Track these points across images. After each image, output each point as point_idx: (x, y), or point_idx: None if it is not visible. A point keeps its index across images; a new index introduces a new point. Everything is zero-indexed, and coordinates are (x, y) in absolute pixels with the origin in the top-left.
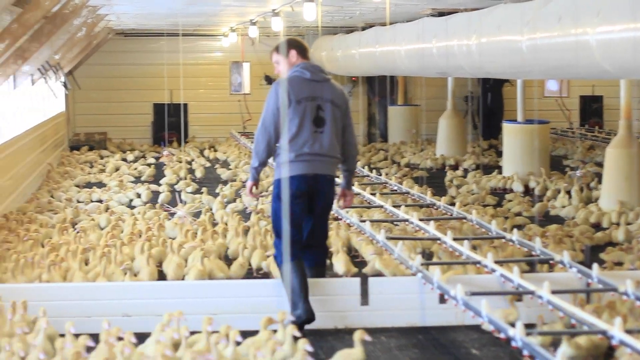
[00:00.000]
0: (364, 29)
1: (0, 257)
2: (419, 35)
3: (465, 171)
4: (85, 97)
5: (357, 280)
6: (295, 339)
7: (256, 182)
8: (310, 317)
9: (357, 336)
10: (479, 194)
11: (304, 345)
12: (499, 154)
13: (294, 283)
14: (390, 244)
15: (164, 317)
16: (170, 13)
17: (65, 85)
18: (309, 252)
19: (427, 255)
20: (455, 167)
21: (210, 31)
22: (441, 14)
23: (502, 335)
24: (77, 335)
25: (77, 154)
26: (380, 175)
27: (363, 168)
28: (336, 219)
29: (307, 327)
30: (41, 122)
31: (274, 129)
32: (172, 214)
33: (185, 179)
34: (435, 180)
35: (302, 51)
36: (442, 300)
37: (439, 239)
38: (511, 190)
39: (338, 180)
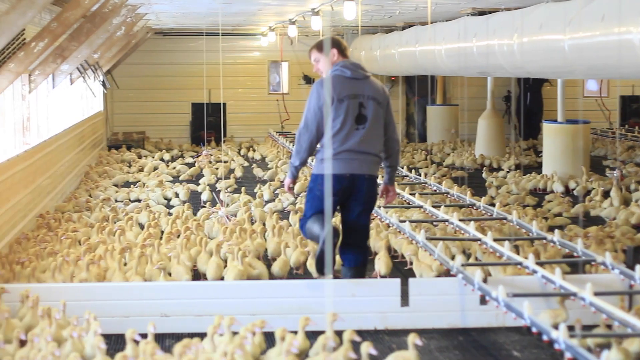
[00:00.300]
0: (403, 28)
1: (38, 256)
2: (460, 35)
3: (502, 170)
4: (124, 97)
5: (397, 281)
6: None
7: (294, 179)
8: (335, 229)
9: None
10: (519, 194)
11: (368, 349)
12: (538, 154)
13: (315, 226)
14: (430, 245)
15: (215, 319)
16: (209, 12)
17: (104, 85)
18: (348, 252)
19: (466, 256)
20: (494, 169)
21: (249, 30)
22: (481, 13)
23: (544, 338)
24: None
25: (115, 153)
26: (420, 175)
27: (402, 168)
28: (375, 219)
29: (349, 327)
30: (79, 121)
31: (316, 128)
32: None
33: (229, 178)
34: (474, 180)
35: (342, 50)
36: (483, 301)
37: (479, 239)
38: (551, 191)
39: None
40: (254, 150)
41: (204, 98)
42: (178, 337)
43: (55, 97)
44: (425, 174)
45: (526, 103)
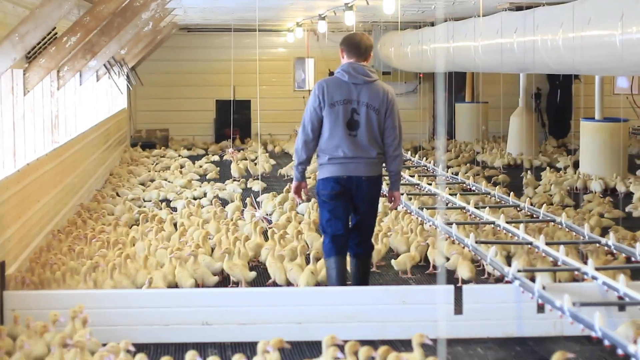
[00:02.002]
0: (433, 24)
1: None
2: (498, 30)
3: (534, 170)
4: (147, 94)
5: (451, 288)
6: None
7: (300, 182)
8: None
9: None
10: (559, 194)
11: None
12: (569, 152)
13: (332, 277)
14: (481, 249)
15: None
16: (238, 7)
17: (129, 81)
18: (353, 246)
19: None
20: (527, 168)
21: (275, 26)
22: (519, 8)
23: (619, 352)
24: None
25: (139, 150)
26: (457, 175)
27: (436, 167)
28: (422, 223)
29: (397, 336)
30: (105, 118)
31: (311, 129)
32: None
33: (258, 178)
34: (509, 178)
35: (350, 50)
36: (540, 309)
37: (530, 243)
38: (590, 191)
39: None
40: (281, 149)
41: (228, 95)
42: (220, 346)
43: (82, 94)
44: (457, 173)
45: (556, 100)
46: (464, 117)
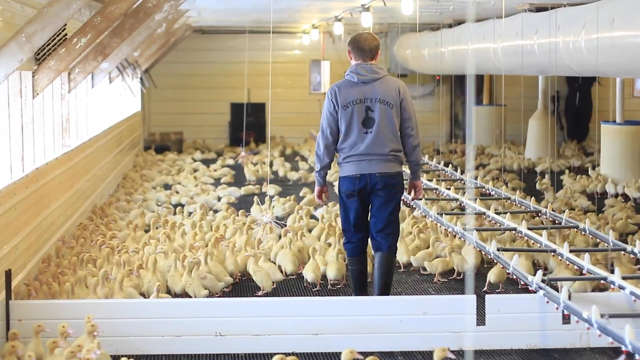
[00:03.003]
0: (450, 26)
1: (75, 268)
2: (518, 32)
3: (553, 174)
4: (161, 96)
5: (473, 297)
6: None
7: (322, 186)
8: None
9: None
10: (579, 198)
11: None
12: (588, 156)
13: (352, 276)
14: (504, 257)
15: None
16: (253, 9)
17: (142, 84)
18: (376, 240)
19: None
20: (542, 172)
21: (290, 28)
22: (539, 9)
23: None
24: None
25: (152, 154)
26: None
27: (454, 170)
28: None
29: (418, 348)
30: (118, 122)
31: (330, 132)
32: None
33: (265, 182)
34: (525, 182)
35: (357, 50)
36: (566, 320)
37: (554, 250)
38: (612, 195)
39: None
40: (296, 153)
41: (243, 98)
42: (234, 358)
43: (94, 96)
44: (476, 177)
45: (575, 103)
46: (482, 120)
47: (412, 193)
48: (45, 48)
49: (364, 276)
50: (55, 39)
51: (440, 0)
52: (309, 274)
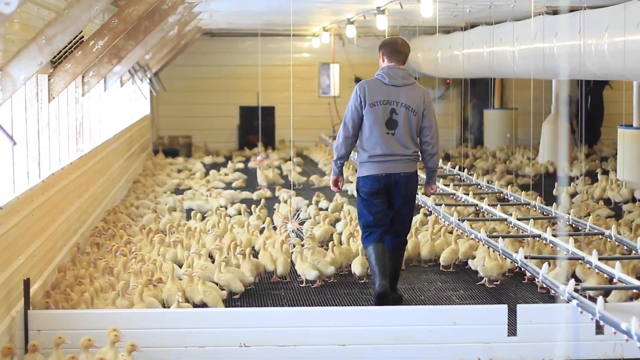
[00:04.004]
0: (464, 29)
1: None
2: (537, 35)
3: (571, 179)
4: (170, 99)
5: (504, 307)
6: None
7: (338, 175)
8: (384, 291)
9: None
10: (599, 206)
11: None
12: (602, 160)
13: (372, 263)
14: (532, 264)
15: None
16: (266, 11)
17: (152, 87)
18: (389, 239)
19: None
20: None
21: (300, 31)
22: (555, 12)
23: None
24: None
25: (162, 158)
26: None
27: (471, 175)
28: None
29: (447, 359)
30: (128, 125)
31: (352, 126)
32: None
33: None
34: (539, 188)
35: (390, 53)
36: (599, 330)
37: (582, 258)
38: (632, 200)
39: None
40: (306, 157)
41: (253, 101)
42: None
43: (106, 100)
44: (490, 181)
45: (587, 107)
46: (493, 124)
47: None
48: (61, 51)
49: (386, 261)
50: (71, 41)
51: (458, 2)
52: (357, 268)
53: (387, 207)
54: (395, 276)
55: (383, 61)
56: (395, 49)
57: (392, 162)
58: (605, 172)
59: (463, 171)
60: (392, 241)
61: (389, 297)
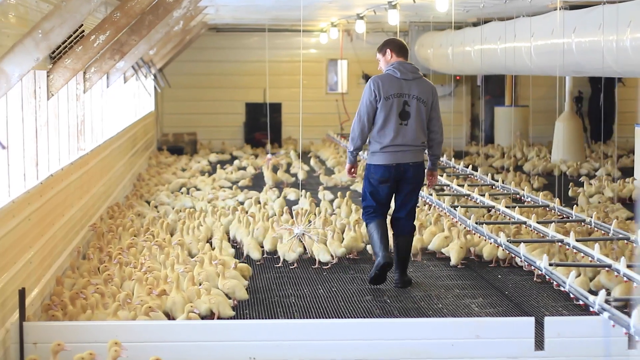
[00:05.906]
0: (474, 24)
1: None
2: (554, 30)
3: (585, 177)
4: (175, 96)
5: (531, 320)
6: None
7: (353, 164)
8: (388, 261)
9: None
10: (617, 209)
11: None
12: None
13: (374, 237)
14: (557, 272)
15: None
16: (274, 5)
17: (157, 83)
18: (398, 224)
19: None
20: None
21: (308, 26)
22: (573, 7)
23: None
24: None
25: (167, 155)
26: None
27: (485, 175)
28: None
29: None
30: (132, 123)
31: (367, 119)
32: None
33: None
34: (551, 187)
35: (398, 50)
36: (632, 344)
37: (609, 265)
38: None
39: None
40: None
41: (259, 98)
42: None
43: (109, 97)
44: (503, 181)
45: (598, 104)
46: (504, 121)
47: (428, 181)
48: (60, 46)
49: (387, 237)
50: (71, 36)
51: None
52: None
53: (392, 192)
54: (406, 259)
55: (391, 57)
56: (402, 46)
57: (403, 152)
58: (620, 171)
59: (476, 170)
60: (404, 226)
61: (391, 267)
